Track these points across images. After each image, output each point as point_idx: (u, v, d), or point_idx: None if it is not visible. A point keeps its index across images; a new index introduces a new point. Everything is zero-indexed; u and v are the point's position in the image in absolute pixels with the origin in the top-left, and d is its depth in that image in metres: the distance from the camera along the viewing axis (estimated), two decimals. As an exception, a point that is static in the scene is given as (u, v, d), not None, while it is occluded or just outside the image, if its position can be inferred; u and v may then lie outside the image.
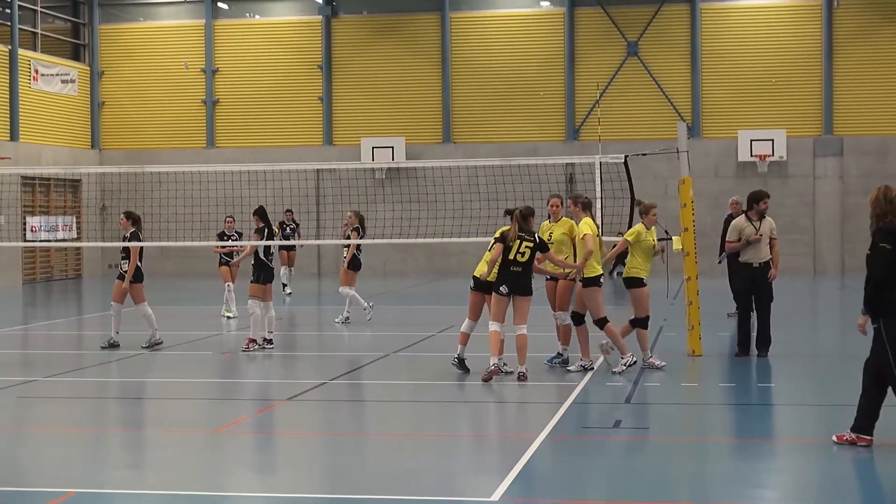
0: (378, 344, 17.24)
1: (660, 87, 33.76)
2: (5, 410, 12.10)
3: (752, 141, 32.82)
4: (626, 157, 16.35)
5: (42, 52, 34.12)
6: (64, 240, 33.29)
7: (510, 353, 13.41)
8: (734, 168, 33.19)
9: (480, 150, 33.24)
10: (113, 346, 16.37)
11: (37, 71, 33.34)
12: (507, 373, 13.30)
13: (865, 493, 8.60)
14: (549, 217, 14.13)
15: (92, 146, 36.04)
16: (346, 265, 19.69)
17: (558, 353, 14.20)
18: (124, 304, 16.55)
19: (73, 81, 35.08)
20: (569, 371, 13.75)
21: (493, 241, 13.31)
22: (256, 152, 34.55)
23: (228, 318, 20.54)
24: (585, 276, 13.52)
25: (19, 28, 32.60)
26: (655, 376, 13.50)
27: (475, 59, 34.67)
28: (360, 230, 19.55)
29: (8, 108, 32.05)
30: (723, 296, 18.16)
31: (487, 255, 13.52)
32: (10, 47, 32.18)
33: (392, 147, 33.97)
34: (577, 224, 13.76)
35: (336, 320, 19.78)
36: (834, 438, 9.64)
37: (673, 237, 15.54)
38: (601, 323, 13.65)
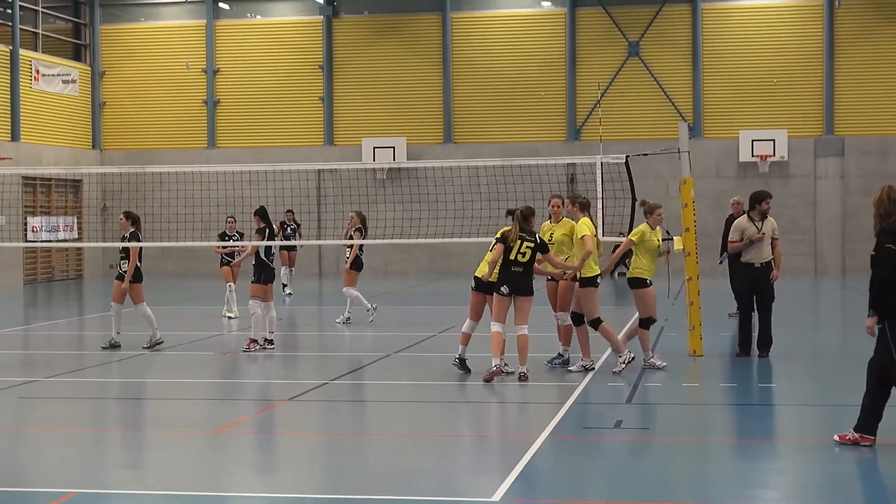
0: (379, 344, 17.23)
1: (661, 87, 33.74)
2: (6, 411, 12.10)
3: (753, 141, 32.81)
4: (627, 157, 16.32)
5: (43, 52, 34.12)
6: (65, 240, 33.28)
7: (511, 354, 13.40)
8: (735, 168, 33.18)
9: (481, 150, 33.21)
10: (114, 346, 16.37)
11: (38, 71, 33.35)
12: (508, 373, 13.30)
13: (868, 493, 8.59)
14: (550, 217, 14.13)
15: (93, 146, 36.04)
16: (348, 265, 19.66)
17: (559, 354, 14.20)
18: (124, 305, 16.56)
19: (74, 82, 35.08)
20: (570, 371, 13.75)
21: (494, 241, 13.31)
22: (257, 152, 34.54)
23: (229, 318, 20.54)
24: (583, 276, 13.52)
25: (20, 28, 32.61)
26: (656, 376, 13.50)
27: (476, 60, 34.66)
28: (363, 230, 19.53)
29: (9, 108, 32.06)
30: (724, 296, 18.15)
31: (488, 256, 13.50)
32: (11, 47, 32.20)
33: (393, 147, 33.96)
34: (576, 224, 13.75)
35: (337, 320, 19.78)
36: (836, 438, 9.62)
37: (674, 237, 15.53)
38: (595, 323, 13.63)
